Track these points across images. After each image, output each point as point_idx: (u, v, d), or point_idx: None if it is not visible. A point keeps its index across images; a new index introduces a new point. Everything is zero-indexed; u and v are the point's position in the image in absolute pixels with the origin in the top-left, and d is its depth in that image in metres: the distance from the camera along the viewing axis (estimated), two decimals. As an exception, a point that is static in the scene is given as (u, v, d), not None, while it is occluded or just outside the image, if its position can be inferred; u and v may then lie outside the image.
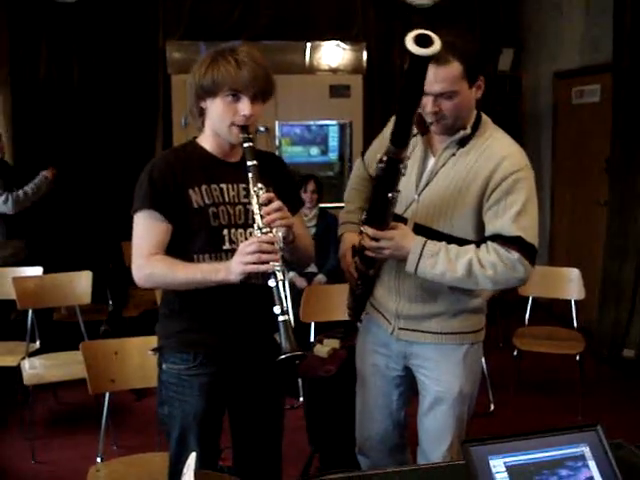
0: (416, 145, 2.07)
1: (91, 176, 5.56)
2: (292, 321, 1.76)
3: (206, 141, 2.00)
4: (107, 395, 2.63)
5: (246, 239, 1.91)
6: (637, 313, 4.65)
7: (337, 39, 5.83)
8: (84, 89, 5.60)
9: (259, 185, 1.84)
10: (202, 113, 1.96)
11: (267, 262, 1.74)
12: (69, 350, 3.58)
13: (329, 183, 5.57)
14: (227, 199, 1.96)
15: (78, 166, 5.54)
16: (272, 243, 1.76)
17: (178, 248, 1.92)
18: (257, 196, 1.82)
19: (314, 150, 5.95)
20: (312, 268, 4.64)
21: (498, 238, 1.95)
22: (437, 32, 1.66)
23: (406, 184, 1.98)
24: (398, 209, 2.02)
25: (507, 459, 1.34)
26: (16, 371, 3.57)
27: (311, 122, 5.86)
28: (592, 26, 5.35)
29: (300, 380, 3.75)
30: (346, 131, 5.84)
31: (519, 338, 4.10)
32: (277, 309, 1.73)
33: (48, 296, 3.82)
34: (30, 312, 3.76)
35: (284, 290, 1.75)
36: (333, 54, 5.84)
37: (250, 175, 1.86)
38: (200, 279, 1.85)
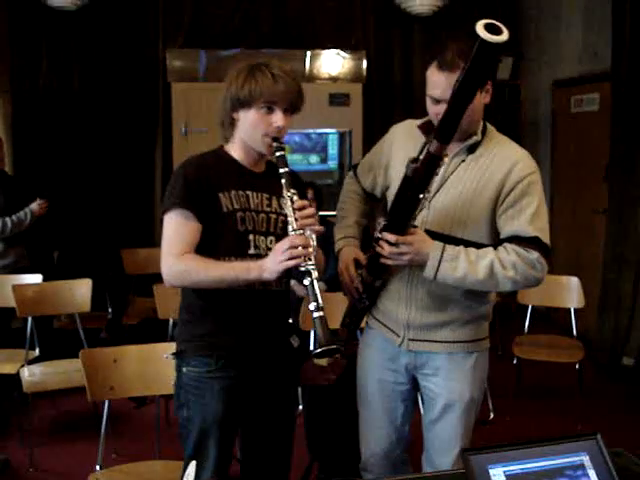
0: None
1: (91, 184, 5.55)
2: (326, 317, 1.80)
3: (234, 150, 2.05)
4: (106, 403, 2.62)
5: (267, 246, 1.99)
6: (636, 321, 4.64)
7: (337, 48, 5.84)
8: (84, 97, 5.60)
9: (292, 190, 1.90)
10: (233, 123, 2.01)
11: (304, 260, 1.80)
12: (68, 358, 3.57)
13: (328, 191, 5.54)
14: (252, 206, 2.01)
15: (78, 174, 5.55)
16: (307, 243, 1.82)
17: (205, 250, 1.95)
18: (291, 200, 1.89)
19: (313, 158, 5.95)
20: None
21: (515, 239, 1.96)
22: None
23: None
24: None
25: (507, 468, 1.34)
26: (15, 379, 3.56)
27: (311, 130, 5.84)
28: (591, 35, 5.38)
29: (300, 388, 3.74)
30: (346, 139, 5.83)
31: (518, 346, 4.09)
32: (312, 306, 1.80)
33: (48, 304, 3.82)
34: (30, 320, 3.75)
35: (318, 288, 1.82)
36: (333, 63, 5.85)
37: (283, 181, 1.92)
38: (233, 277, 1.89)
